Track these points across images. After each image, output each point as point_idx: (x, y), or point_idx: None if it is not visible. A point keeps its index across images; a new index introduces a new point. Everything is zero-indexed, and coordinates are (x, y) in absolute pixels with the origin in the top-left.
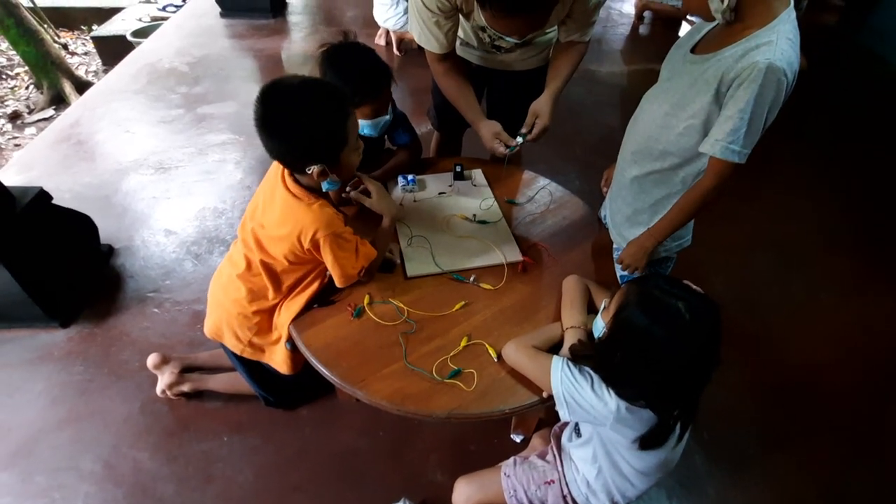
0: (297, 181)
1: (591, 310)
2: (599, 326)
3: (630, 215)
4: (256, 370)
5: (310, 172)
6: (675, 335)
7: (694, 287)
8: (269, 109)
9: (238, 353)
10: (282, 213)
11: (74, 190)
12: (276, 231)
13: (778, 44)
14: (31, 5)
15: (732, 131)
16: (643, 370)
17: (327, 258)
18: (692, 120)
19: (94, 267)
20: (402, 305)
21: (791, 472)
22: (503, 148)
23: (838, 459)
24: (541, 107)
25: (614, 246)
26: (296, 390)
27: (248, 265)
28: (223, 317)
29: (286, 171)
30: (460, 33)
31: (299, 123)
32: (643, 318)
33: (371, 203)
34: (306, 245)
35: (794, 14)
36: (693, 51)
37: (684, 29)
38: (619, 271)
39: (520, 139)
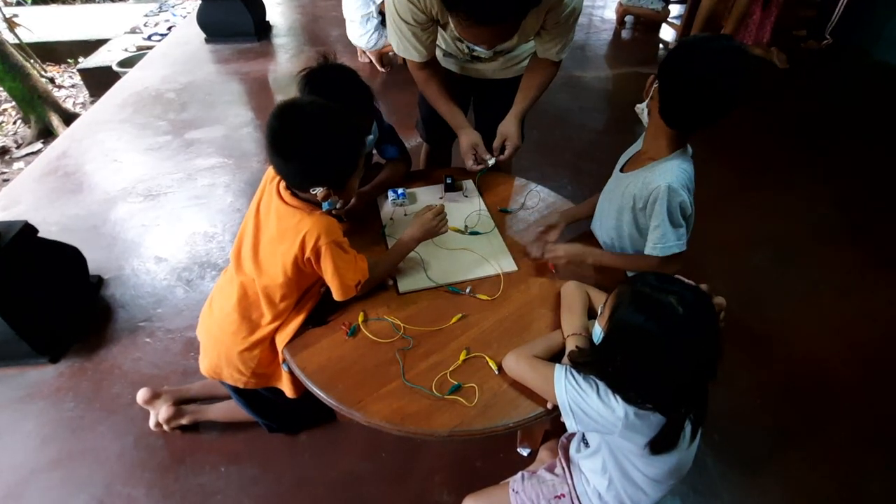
0: (294, 194)
1: (593, 315)
2: (598, 332)
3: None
4: (254, 399)
5: (314, 193)
6: (671, 329)
7: (685, 280)
8: (287, 131)
9: (241, 386)
10: (280, 225)
11: (62, 222)
12: (275, 245)
13: (672, 171)
14: (16, 41)
15: (661, 236)
16: (644, 369)
17: (327, 268)
18: (629, 217)
19: (84, 299)
20: (397, 322)
21: (807, 470)
22: (473, 162)
23: (855, 453)
24: (508, 128)
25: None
26: (297, 414)
27: (244, 293)
28: (222, 352)
29: (282, 184)
30: (441, 43)
31: (319, 151)
32: (637, 317)
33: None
34: (308, 253)
35: (689, 157)
36: (622, 168)
37: (665, 32)
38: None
39: (491, 161)
